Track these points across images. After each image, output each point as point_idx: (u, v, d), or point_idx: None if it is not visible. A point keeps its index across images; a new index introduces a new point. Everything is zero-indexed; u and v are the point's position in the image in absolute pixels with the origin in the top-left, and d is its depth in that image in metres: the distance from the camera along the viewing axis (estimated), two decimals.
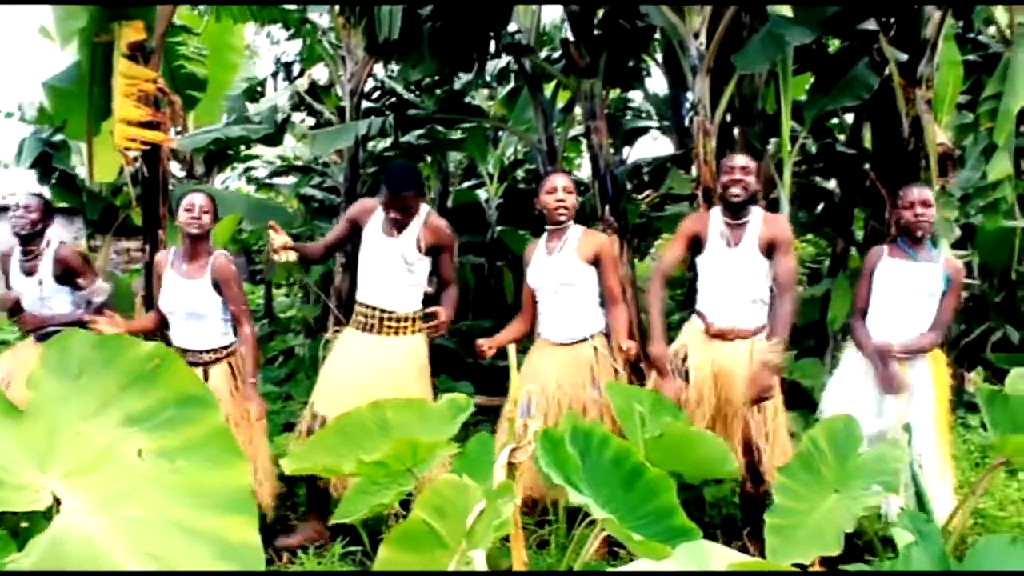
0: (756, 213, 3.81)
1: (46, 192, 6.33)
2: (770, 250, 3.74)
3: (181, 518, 1.52)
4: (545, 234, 4.00)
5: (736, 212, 3.78)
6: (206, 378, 3.81)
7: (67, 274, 4.29)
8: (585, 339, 3.85)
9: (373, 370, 3.80)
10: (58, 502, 1.46)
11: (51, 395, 1.62)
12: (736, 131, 6.36)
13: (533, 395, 3.51)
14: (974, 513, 3.84)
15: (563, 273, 3.87)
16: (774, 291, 3.73)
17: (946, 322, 3.81)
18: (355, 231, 4.02)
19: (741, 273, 3.74)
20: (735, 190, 3.72)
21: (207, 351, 3.87)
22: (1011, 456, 3.00)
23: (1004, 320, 6.66)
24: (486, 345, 3.86)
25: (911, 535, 2.17)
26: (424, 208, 3.95)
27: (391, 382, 3.71)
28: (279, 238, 3.83)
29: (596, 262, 3.88)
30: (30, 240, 4.29)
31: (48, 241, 4.32)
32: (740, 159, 3.83)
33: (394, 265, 3.89)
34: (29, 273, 4.30)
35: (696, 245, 3.87)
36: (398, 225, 3.88)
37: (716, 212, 3.88)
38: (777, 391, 3.67)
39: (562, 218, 3.89)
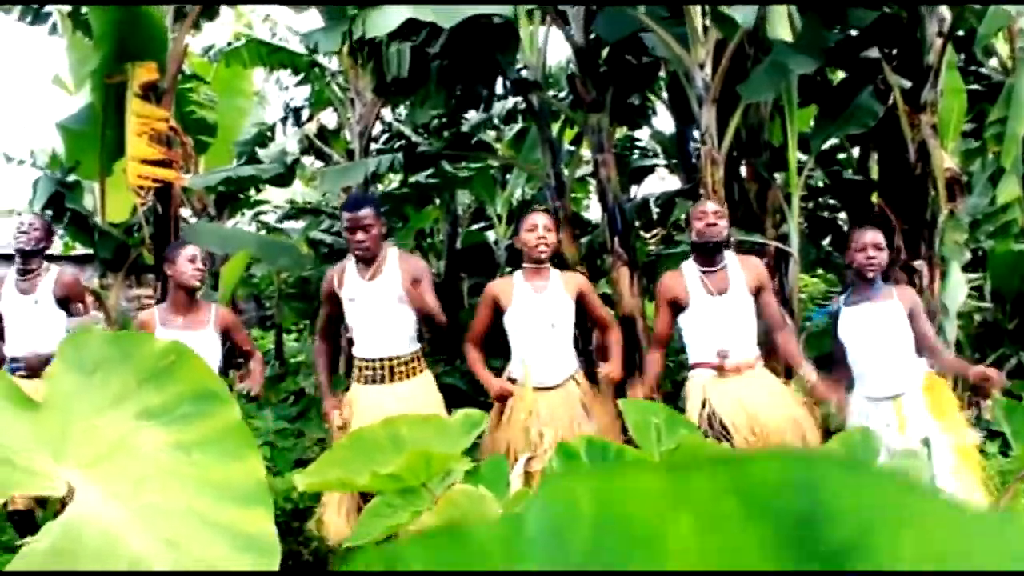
0: (730, 256, 3.84)
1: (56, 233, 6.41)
2: (756, 291, 3.78)
3: (197, 507, 1.51)
4: (520, 273, 3.96)
5: (711, 257, 3.78)
6: None
7: (66, 300, 4.30)
8: (570, 377, 3.85)
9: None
10: (72, 491, 1.44)
11: (67, 389, 1.62)
12: (743, 163, 6.40)
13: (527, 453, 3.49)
14: None
15: (554, 311, 3.84)
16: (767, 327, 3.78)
17: (935, 343, 3.80)
18: (337, 301, 3.96)
19: (732, 319, 3.74)
20: (711, 232, 3.73)
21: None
22: None
23: (1019, 347, 6.62)
24: (501, 385, 3.84)
25: None
26: (392, 250, 3.94)
27: None
28: (335, 415, 3.84)
29: (579, 299, 3.89)
30: (31, 257, 4.28)
31: (48, 267, 4.33)
32: (711, 204, 3.87)
33: (382, 309, 3.83)
34: (25, 292, 4.28)
35: (677, 307, 3.85)
36: (371, 269, 3.85)
37: (689, 266, 3.87)
38: (811, 420, 3.67)
39: (543, 255, 3.85)
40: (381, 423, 2.81)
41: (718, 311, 3.75)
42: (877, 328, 3.71)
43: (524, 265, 3.94)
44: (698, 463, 0.37)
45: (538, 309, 3.85)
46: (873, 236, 3.79)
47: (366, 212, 3.80)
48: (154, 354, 1.68)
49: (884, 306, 3.74)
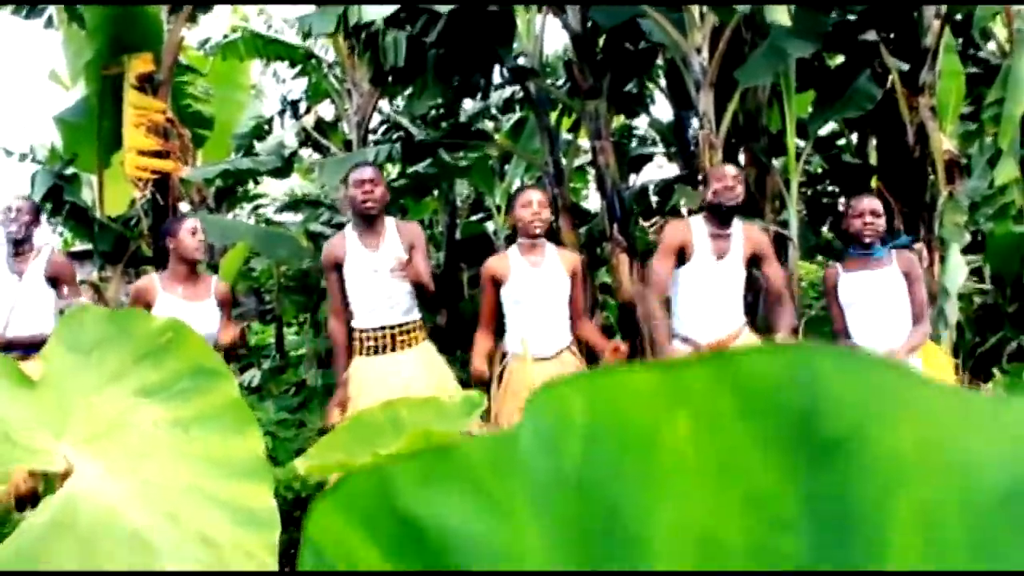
0: (736, 225, 3.84)
1: (53, 229, 6.40)
2: (752, 262, 3.77)
3: (197, 483, 1.50)
4: (516, 249, 3.96)
5: (725, 221, 3.77)
6: None
7: (55, 280, 4.26)
8: (565, 348, 3.85)
9: (405, 390, 3.76)
10: (72, 467, 1.44)
11: (64, 367, 1.61)
12: (742, 148, 6.38)
13: None
14: None
15: (551, 284, 3.85)
16: (761, 298, 3.76)
17: (924, 310, 3.81)
18: (342, 270, 3.97)
19: (725, 285, 3.75)
20: (728, 196, 3.72)
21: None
22: None
23: (1019, 331, 6.61)
24: (482, 370, 3.84)
25: None
26: (389, 219, 3.99)
27: (425, 388, 3.68)
28: (336, 414, 3.84)
29: (572, 276, 3.90)
30: (22, 244, 4.26)
31: (39, 249, 4.29)
32: (731, 168, 3.86)
33: (384, 278, 3.84)
34: (15, 272, 4.25)
35: (680, 255, 3.83)
36: (372, 233, 3.89)
37: (698, 222, 3.85)
38: None
39: (538, 231, 3.85)
40: (381, 405, 2.80)
41: (714, 275, 3.75)
42: (876, 294, 3.72)
43: (519, 241, 3.94)
44: (692, 360, 0.36)
45: (535, 283, 3.86)
46: (870, 203, 3.79)
47: (373, 170, 3.95)
48: (152, 331, 1.68)
49: (883, 272, 3.75)
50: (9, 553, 1.26)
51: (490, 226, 9.96)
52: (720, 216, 3.77)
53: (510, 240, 9.39)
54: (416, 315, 3.94)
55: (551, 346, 3.83)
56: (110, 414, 1.56)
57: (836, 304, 3.88)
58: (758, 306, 5.00)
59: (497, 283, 3.92)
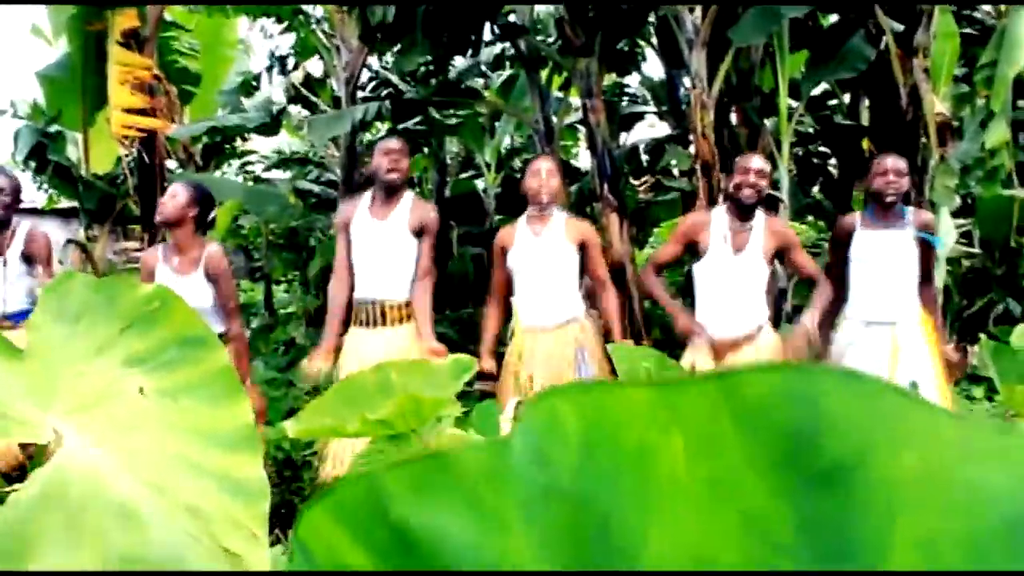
0: (759, 218, 3.77)
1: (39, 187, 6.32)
2: (777, 256, 3.74)
3: (186, 452, 1.50)
4: (525, 217, 3.94)
5: (745, 215, 3.72)
6: None
7: (30, 257, 4.13)
8: (570, 321, 3.83)
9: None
10: (59, 438, 1.43)
11: (50, 337, 1.60)
12: (733, 108, 6.35)
13: (521, 393, 3.50)
14: None
15: (551, 254, 3.82)
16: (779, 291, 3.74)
17: (932, 273, 3.82)
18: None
19: (744, 281, 3.69)
20: (748, 192, 3.64)
21: None
22: (1019, 407, 2.98)
23: (1006, 293, 6.64)
24: (489, 364, 3.84)
25: None
26: (408, 192, 3.97)
27: None
28: (315, 364, 3.82)
29: (582, 248, 3.86)
30: (3, 225, 4.14)
31: (15, 227, 4.15)
32: (757, 161, 3.76)
33: (388, 248, 3.84)
34: None
35: (693, 249, 3.80)
36: (387, 204, 3.88)
37: (719, 213, 3.79)
38: None
39: (545, 199, 3.83)
40: (371, 369, 2.80)
41: (730, 269, 3.68)
42: (890, 254, 3.67)
43: (528, 210, 3.93)
44: (689, 380, 0.35)
45: (535, 252, 3.84)
46: (895, 161, 3.73)
47: (400, 142, 3.96)
48: (138, 300, 1.66)
49: (901, 234, 3.72)
50: None
51: (480, 183, 9.91)
52: (740, 209, 3.70)
53: (499, 198, 9.40)
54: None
55: (551, 317, 3.80)
56: (98, 384, 1.55)
57: (841, 253, 3.81)
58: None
59: (506, 253, 3.92)
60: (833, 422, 0.33)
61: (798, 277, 3.78)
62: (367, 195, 3.99)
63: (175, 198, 3.77)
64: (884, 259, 3.69)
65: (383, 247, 3.85)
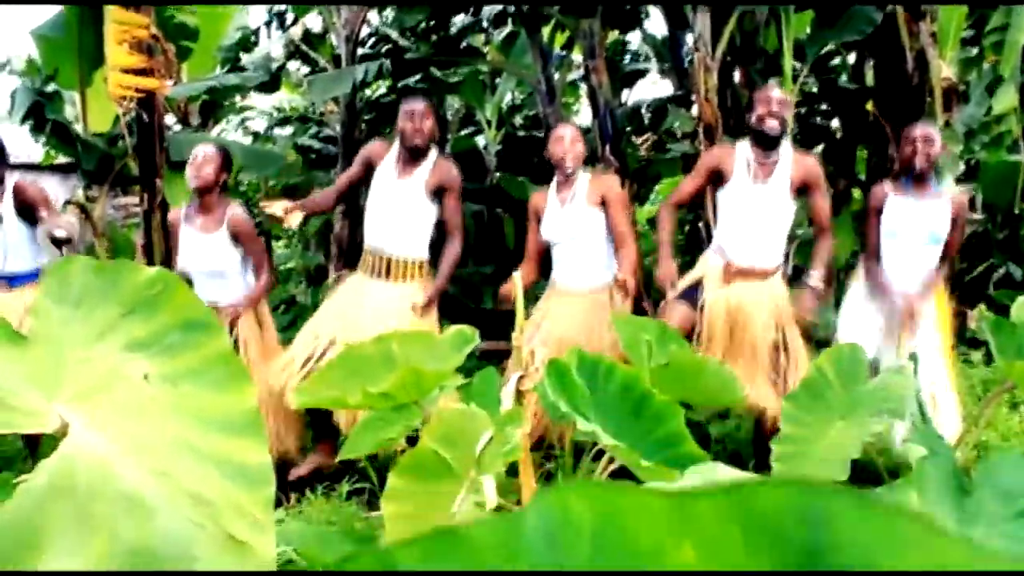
0: (786, 150, 3.73)
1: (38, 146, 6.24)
2: (800, 190, 3.72)
3: (189, 439, 1.51)
4: (554, 183, 3.99)
5: (768, 147, 3.69)
6: (232, 331, 3.82)
7: (26, 209, 3.97)
8: (601, 287, 3.84)
9: (379, 312, 3.78)
10: (65, 426, 1.44)
11: (53, 322, 1.59)
12: (737, 69, 6.28)
13: (541, 346, 3.53)
14: (977, 445, 3.86)
15: (577, 223, 3.88)
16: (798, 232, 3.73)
17: (953, 256, 3.82)
18: (369, 173, 4.03)
19: (767, 211, 3.67)
20: (772, 123, 3.62)
21: (232, 306, 3.88)
22: (1018, 381, 3.00)
23: (1007, 257, 6.63)
24: (507, 291, 3.83)
25: (924, 450, 2.17)
26: (434, 151, 3.98)
27: (397, 326, 3.70)
28: (275, 206, 3.88)
29: (603, 204, 3.87)
30: None
31: (3, 185, 4.00)
32: (777, 92, 3.75)
33: (404, 207, 3.89)
34: None
35: (718, 179, 3.79)
36: (411, 164, 3.91)
37: (743, 146, 3.77)
38: (796, 330, 3.69)
39: (569, 167, 3.88)
40: (372, 340, 2.81)
41: (753, 200, 3.69)
42: (920, 224, 3.68)
43: (556, 177, 3.99)
44: (702, 490, 0.35)
45: (562, 222, 3.92)
46: (923, 129, 3.73)
47: (424, 103, 3.99)
48: (140, 283, 1.66)
49: (931, 204, 3.71)
50: (7, 519, 1.26)
51: (480, 140, 9.82)
52: (763, 141, 3.67)
53: (500, 155, 9.34)
54: (420, 255, 3.96)
55: (584, 283, 3.87)
56: (100, 371, 1.56)
57: (875, 223, 3.83)
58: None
59: (540, 219, 4.00)
60: (841, 540, 0.34)
61: (809, 221, 3.76)
62: (396, 144, 4.01)
63: (209, 164, 3.84)
64: (911, 229, 3.70)
65: (399, 206, 3.90)
